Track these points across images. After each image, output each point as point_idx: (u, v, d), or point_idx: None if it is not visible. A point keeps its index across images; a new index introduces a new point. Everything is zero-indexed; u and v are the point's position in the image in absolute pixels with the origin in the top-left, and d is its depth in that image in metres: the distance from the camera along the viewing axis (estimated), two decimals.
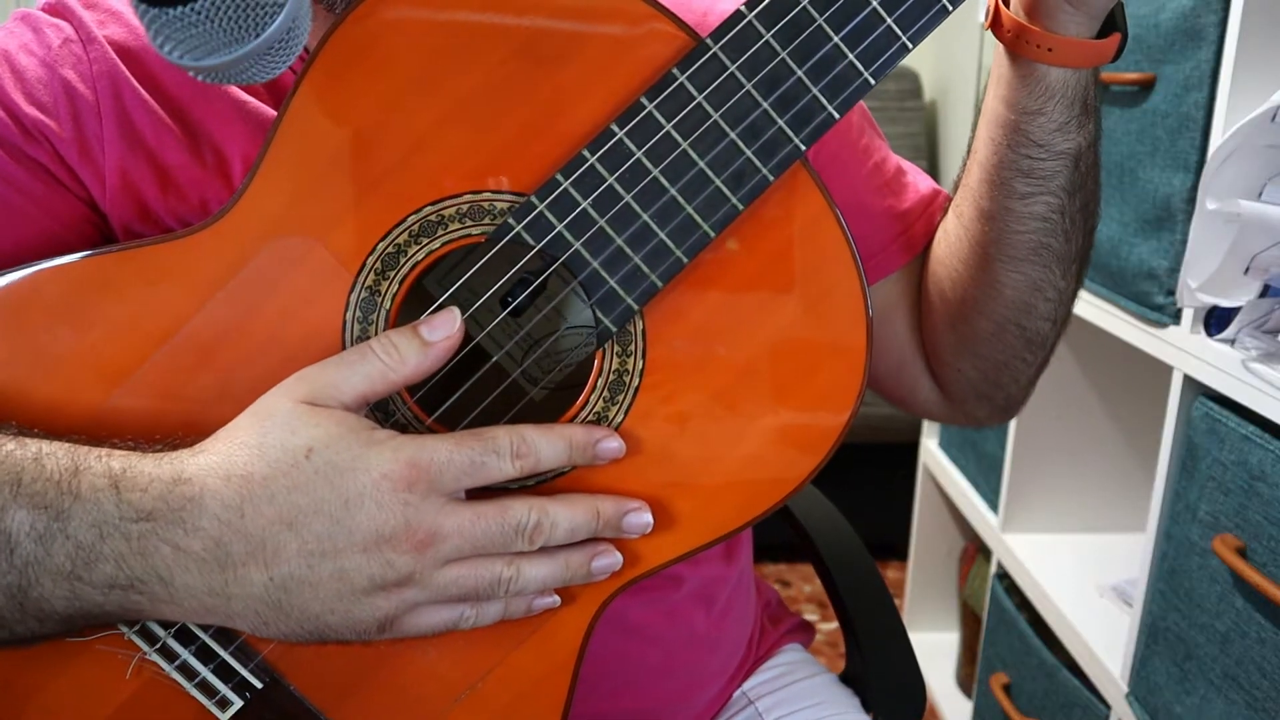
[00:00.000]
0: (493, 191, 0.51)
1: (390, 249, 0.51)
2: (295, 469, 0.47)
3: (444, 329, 0.50)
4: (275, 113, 0.53)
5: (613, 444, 0.52)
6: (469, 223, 0.51)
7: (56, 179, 0.57)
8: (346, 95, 0.50)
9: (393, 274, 0.51)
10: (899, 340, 0.75)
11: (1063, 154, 0.60)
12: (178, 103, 0.58)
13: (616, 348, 0.53)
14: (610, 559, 0.53)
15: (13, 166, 0.56)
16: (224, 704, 0.53)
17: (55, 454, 0.48)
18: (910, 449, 1.93)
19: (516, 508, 0.50)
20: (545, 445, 0.50)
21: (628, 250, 0.51)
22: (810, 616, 2.01)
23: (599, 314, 0.52)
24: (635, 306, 0.52)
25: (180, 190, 0.58)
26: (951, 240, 0.68)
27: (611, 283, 0.51)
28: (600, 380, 0.53)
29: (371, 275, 0.51)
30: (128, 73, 0.57)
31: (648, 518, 0.53)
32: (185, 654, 0.52)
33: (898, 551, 2.09)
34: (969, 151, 0.66)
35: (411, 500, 0.47)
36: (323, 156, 0.51)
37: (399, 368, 0.49)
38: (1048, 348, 0.70)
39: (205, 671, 0.53)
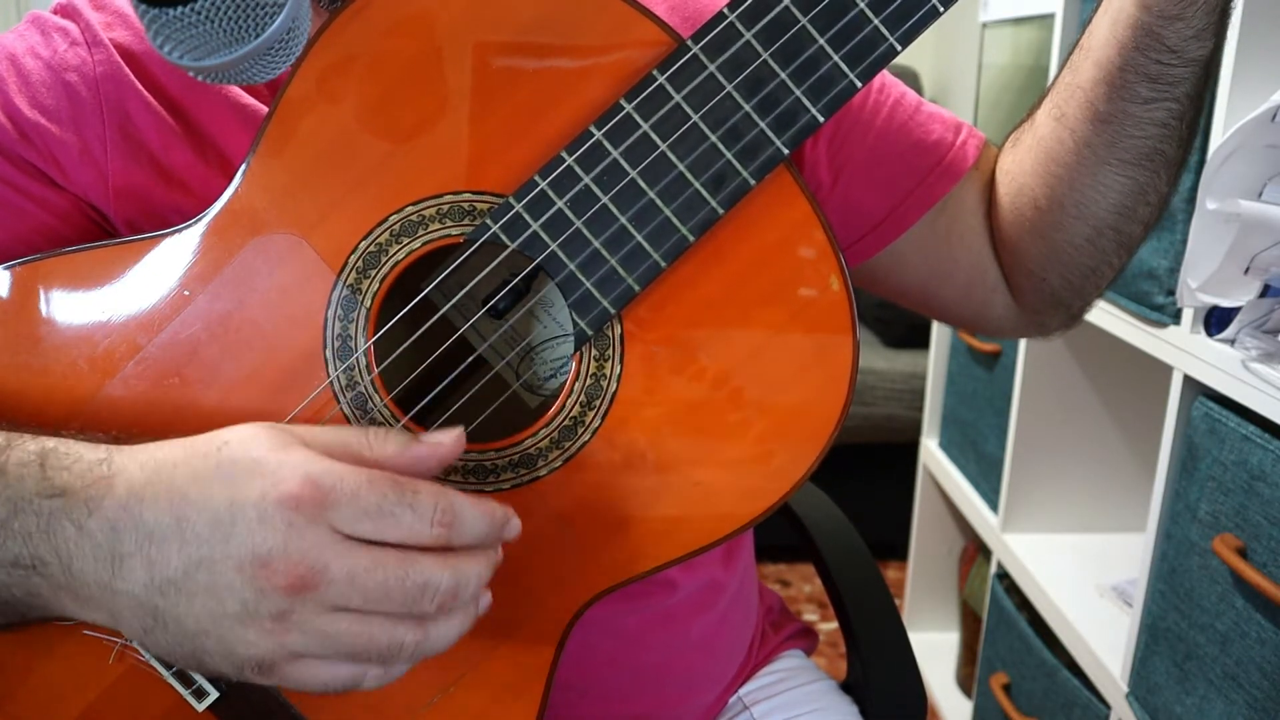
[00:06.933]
0: (473, 192, 0.51)
1: (372, 248, 0.51)
2: (204, 459, 0.45)
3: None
4: None
5: (514, 527, 0.48)
6: (449, 223, 0.51)
7: (52, 180, 0.58)
8: (332, 95, 0.50)
9: (374, 273, 0.51)
10: (967, 262, 0.73)
11: (1194, 61, 0.56)
12: (181, 104, 0.59)
13: (594, 351, 0.52)
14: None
15: (8, 167, 0.57)
16: (200, 694, 0.53)
17: None
18: (910, 449, 1.92)
19: (426, 564, 0.44)
20: (470, 520, 0.46)
21: (604, 253, 0.50)
22: (810, 616, 2.00)
23: (575, 316, 0.51)
24: (611, 310, 0.51)
25: (187, 188, 0.58)
26: (1048, 144, 0.64)
27: (587, 285, 0.51)
28: (578, 384, 0.53)
29: (353, 274, 0.51)
30: (132, 76, 0.58)
31: (516, 524, 0.48)
32: None
33: (898, 551, 2.08)
34: (1078, 49, 0.62)
35: (296, 522, 0.43)
36: (308, 155, 0.51)
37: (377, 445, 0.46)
38: (1134, 251, 0.68)
39: None
